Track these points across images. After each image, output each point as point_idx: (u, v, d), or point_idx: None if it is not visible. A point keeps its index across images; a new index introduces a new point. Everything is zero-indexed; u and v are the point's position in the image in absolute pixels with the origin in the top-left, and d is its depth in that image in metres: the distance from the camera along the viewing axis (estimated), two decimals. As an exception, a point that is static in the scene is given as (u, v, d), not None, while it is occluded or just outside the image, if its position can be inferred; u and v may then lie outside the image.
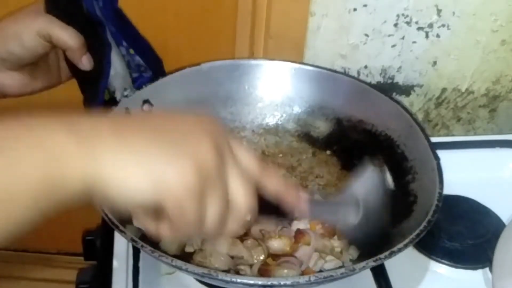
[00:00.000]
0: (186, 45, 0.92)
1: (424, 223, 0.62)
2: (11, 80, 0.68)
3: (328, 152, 0.82)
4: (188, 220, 0.44)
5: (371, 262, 0.59)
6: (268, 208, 0.50)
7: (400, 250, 0.59)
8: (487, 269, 0.73)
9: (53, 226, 1.11)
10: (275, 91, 0.83)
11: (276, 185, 0.50)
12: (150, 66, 0.75)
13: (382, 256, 0.59)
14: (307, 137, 0.83)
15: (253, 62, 0.84)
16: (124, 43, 0.72)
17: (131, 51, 0.73)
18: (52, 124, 0.40)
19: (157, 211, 0.44)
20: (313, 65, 0.84)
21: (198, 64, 0.80)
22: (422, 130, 0.74)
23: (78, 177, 0.40)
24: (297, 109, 0.84)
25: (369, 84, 0.82)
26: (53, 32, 0.65)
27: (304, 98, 0.83)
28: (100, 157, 0.40)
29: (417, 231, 0.61)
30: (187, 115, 0.47)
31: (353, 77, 0.86)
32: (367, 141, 0.80)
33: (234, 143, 0.47)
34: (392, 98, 0.79)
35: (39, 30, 0.65)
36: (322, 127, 0.83)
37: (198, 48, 0.92)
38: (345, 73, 0.85)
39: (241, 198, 0.46)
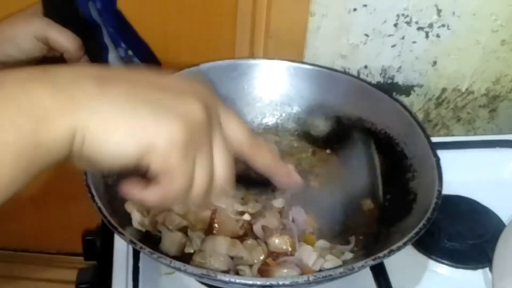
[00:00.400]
0: (186, 45, 0.92)
1: (423, 221, 0.62)
2: None
3: (328, 150, 0.82)
4: (175, 181, 0.41)
5: (370, 261, 0.58)
6: (258, 180, 0.50)
7: (399, 248, 0.59)
8: (487, 269, 0.73)
9: (53, 226, 1.12)
10: (274, 91, 0.83)
11: (265, 158, 0.48)
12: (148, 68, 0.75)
13: (381, 254, 0.58)
14: (306, 136, 0.83)
15: (251, 61, 0.84)
16: (123, 45, 0.72)
17: (130, 52, 0.73)
18: (23, 76, 0.37)
19: (144, 176, 0.41)
20: (311, 64, 0.84)
21: (197, 64, 0.80)
22: (422, 128, 0.74)
23: (60, 134, 0.37)
24: (296, 108, 0.84)
25: (368, 83, 0.82)
26: (50, 35, 0.65)
27: (304, 97, 0.83)
28: (81, 112, 0.37)
29: (416, 229, 0.61)
30: (181, 78, 0.45)
31: (352, 75, 0.86)
32: (367, 139, 0.79)
33: (226, 111, 0.45)
34: (391, 97, 0.79)
35: (36, 33, 0.65)
36: (321, 126, 0.83)
37: (198, 48, 0.92)
38: (344, 72, 0.85)
39: (219, 168, 0.44)
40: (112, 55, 0.70)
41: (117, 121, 0.38)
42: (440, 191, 0.65)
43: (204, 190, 0.43)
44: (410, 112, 0.76)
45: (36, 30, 0.65)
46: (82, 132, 0.38)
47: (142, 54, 0.74)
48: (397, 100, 0.78)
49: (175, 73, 0.44)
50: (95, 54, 0.68)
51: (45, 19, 0.66)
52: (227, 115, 0.45)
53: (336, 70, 0.84)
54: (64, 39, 0.65)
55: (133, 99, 0.39)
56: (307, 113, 0.83)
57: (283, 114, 0.84)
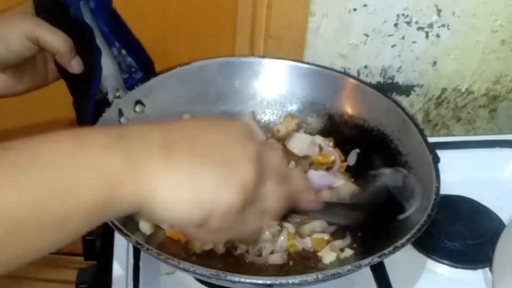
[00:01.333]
0: (186, 45, 0.92)
1: (425, 218, 0.62)
2: None
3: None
4: (227, 233, 0.47)
5: (376, 258, 0.59)
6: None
7: (403, 245, 0.60)
8: (487, 269, 0.73)
9: (53, 226, 1.12)
10: (266, 89, 0.83)
11: (308, 201, 0.54)
12: (141, 67, 0.75)
13: (386, 251, 0.59)
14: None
15: (243, 59, 0.84)
16: (117, 44, 0.71)
17: (123, 51, 0.72)
18: (104, 142, 0.41)
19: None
20: (303, 62, 0.84)
21: (189, 63, 0.80)
22: (416, 124, 0.74)
23: (129, 200, 0.41)
24: (288, 106, 0.84)
25: (360, 80, 0.82)
26: (41, 35, 0.64)
27: (295, 94, 0.83)
28: (150, 182, 0.41)
29: (418, 226, 0.62)
30: (227, 126, 0.48)
31: (344, 73, 0.86)
32: (360, 136, 0.80)
33: (271, 152, 0.49)
34: (384, 94, 0.79)
35: (26, 32, 0.63)
36: (313, 123, 0.83)
37: (198, 48, 0.92)
38: (335, 70, 0.85)
39: (273, 208, 0.49)
40: (105, 55, 0.70)
41: (183, 192, 0.43)
42: (438, 188, 0.65)
43: (251, 234, 0.50)
44: (403, 109, 0.76)
45: (27, 30, 0.63)
46: (151, 199, 0.42)
47: (136, 54, 0.74)
48: (390, 98, 0.78)
49: (225, 122, 0.50)
50: (87, 56, 0.68)
51: (36, 19, 0.65)
52: (272, 154, 0.49)
53: (327, 68, 0.83)
54: (55, 40, 0.64)
55: (196, 170, 0.43)
56: (299, 110, 0.83)
57: (275, 112, 0.84)
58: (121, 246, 0.73)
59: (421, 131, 0.73)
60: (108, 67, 0.70)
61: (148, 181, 0.41)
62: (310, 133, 0.82)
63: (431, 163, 0.68)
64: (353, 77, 0.84)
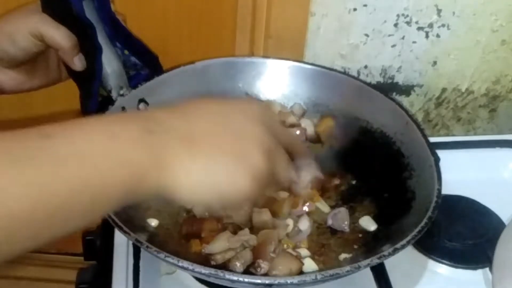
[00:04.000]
0: (186, 45, 0.92)
1: (425, 220, 0.62)
2: (7, 77, 0.68)
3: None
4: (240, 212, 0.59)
5: (375, 259, 0.59)
6: None
7: (403, 246, 0.60)
8: (487, 269, 0.73)
9: (53, 226, 1.11)
10: (270, 89, 0.83)
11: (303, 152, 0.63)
12: (146, 65, 0.75)
13: (385, 253, 0.59)
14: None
15: (247, 60, 0.84)
16: (118, 44, 0.72)
17: (126, 52, 0.73)
18: (134, 136, 0.45)
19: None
20: (306, 63, 0.84)
21: (193, 62, 0.80)
22: (418, 126, 0.74)
23: (152, 189, 0.45)
24: (291, 106, 0.84)
25: (364, 82, 0.82)
26: (45, 31, 0.64)
27: (299, 95, 0.83)
28: (172, 173, 0.46)
29: (418, 228, 0.62)
30: (232, 107, 0.53)
31: (348, 74, 0.86)
32: (363, 138, 0.80)
33: (279, 127, 0.56)
34: (387, 96, 0.79)
35: (31, 29, 0.64)
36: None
37: (198, 48, 0.92)
38: (338, 71, 0.85)
39: (284, 176, 0.54)
40: (109, 53, 0.70)
41: (202, 180, 0.47)
42: (439, 190, 0.65)
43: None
44: (406, 111, 0.76)
45: (32, 27, 0.64)
46: (172, 187, 0.46)
47: (139, 53, 0.74)
48: (392, 99, 0.78)
49: (242, 107, 0.54)
50: (88, 53, 0.68)
51: (42, 16, 0.65)
52: (280, 129, 0.56)
53: (331, 69, 0.83)
54: (59, 37, 0.65)
55: (213, 160, 0.48)
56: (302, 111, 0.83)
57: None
58: (121, 246, 0.73)
59: (423, 134, 0.73)
60: (112, 65, 0.71)
61: (170, 172, 0.45)
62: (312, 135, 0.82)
63: (433, 166, 0.68)
64: (357, 78, 0.84)
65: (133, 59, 0.74)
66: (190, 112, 0.50)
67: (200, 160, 0.47)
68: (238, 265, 0.65)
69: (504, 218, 0.80)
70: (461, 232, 0.78)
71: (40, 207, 0.39)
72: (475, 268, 0.75)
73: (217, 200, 0.49)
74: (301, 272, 0.66)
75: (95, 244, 0.77)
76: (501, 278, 0.69)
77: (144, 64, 0.75)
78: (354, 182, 0.78)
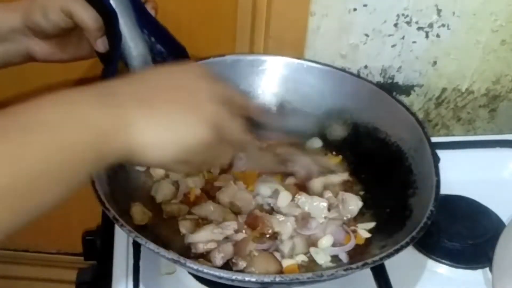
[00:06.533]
0: (186, 45, 0.92)
1: (407, 239, 0.62)
2: (38, 47, 0.71)
3: (340, 156, 0.82)
4: (204, 163, 0.57)
5: (375, 259, 0.60)
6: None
7: (403, 247, 0.61)
8: (487, 269, 0.73)
9: (53, 226, 1.11)
10: (272, 89, 0.84)
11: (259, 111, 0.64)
12: (171, 53, 0.76)
13: (386, 253, 0.60)
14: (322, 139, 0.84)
15: (249, 58, 0.84)
16: (145, 31, 0.73)
17: (152, 38, 0.74)
18: (90, 100, 0.48)
19: None
20: (336, 67, 0.84)
21: (196, 61, 0.80)
22: (430, 145, 0.72)
23: (119, 147, 0.48)
24: (315, 111, 0.83)
25: (389, 93, 0.81)
26: (74, 10, 0.67)
27: (325, 100, 0.83)
28: (135, 131, 0.48)
29: (418, 229, 0.62)
30: (179, 68, 0.57)
31: (376, 84, 0.84)
32: (379, 150, 0.79)
33: (222, 85, 0.56)
34: (408, 109, 0.77)
35: (62, 6, 0.67)
36: (338, 131, 0.83)
37: (198, 48, 0.91)
38: (367, 80, 0.84)
39: (239, 136, 0.56)
40: (137, 36, 0.71)
41: (165, 135, 0.50)
42: (432, 211, 0.64)
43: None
44: (423, 128, 0.74)
45: (64, 4, 0.67)
46: (138, 145, 0.48)
47: (164, 42, 0.75)
48: (413, 114, 0.76)
49: (183, 68, 0.58)
50: (109, 38, 0.69)
51: None
52: (225, 87, 0.57)
53: (362, 78, 0.83)
54: (87, 17, 0.67)
55: (172, 114, 0.51)
56: (325, 116, 0.83)
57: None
58: (121, 246, 0.73)
59: (433, 153, 0.71)
60: (138, 47, 0.71)
61: (134, 131, 0.48)
62: (334, 141, 0.83)
63: (434, 186, 0.67)
64: (385, 89, 0.82)
65: (158, 46, 0.75)
66: (143, 78, 0.54)
67: (160, 117, 0.50)
68: (218, 257, 0.66)
69: (504, 218, 0.80)
70: (461, 232, 0.78)
71: (15, 177, 0.41)
72: (475, 268, 0.75)
73: (183, 155, 0.51)
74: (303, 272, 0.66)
75: (95, 244, 0.77)
76: (501, 278, 0.69)
77: (169, 53, 0.76)
78: (362, 193, 0.78)
